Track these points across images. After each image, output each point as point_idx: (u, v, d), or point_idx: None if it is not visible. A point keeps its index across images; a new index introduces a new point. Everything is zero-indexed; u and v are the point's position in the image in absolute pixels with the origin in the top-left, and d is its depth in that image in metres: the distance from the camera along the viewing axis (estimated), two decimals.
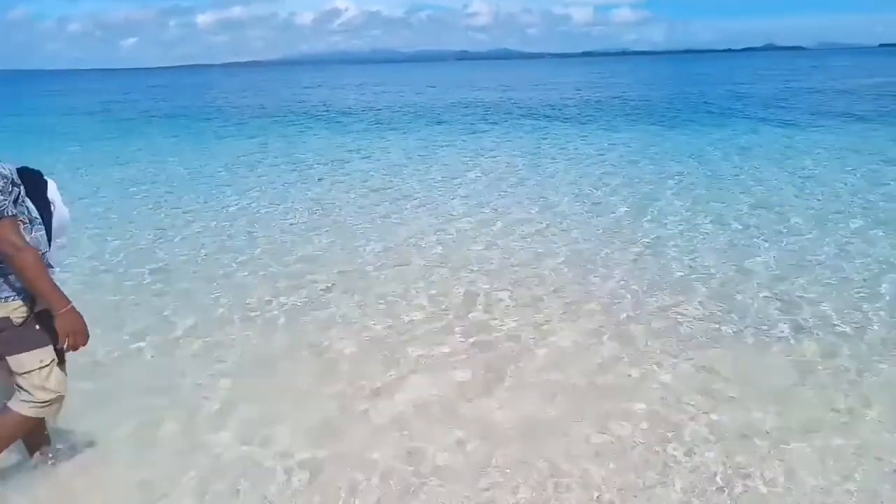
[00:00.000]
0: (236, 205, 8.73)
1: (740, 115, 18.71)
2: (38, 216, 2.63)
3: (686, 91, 31.49)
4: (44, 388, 2.59)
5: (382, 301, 5.13)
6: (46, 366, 2.59)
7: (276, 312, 4.93)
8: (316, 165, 12.03)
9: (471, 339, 4.39)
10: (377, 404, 3.57)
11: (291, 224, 7.71)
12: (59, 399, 2.68)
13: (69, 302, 2.52)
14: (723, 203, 8.03)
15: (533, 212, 7.96)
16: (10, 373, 2.61)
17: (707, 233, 6.80)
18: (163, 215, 8.25)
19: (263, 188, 9.91)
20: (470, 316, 4.81)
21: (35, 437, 2.93)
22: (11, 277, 2.50)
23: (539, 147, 13.78)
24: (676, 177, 9.83)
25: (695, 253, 6.13)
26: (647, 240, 6.58)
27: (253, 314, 4.91)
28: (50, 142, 16.58)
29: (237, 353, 4.26)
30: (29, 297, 2.54)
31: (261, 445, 3.17)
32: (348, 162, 12.41)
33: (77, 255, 6.19)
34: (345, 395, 3.68)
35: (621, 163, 11.42)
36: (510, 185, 9.71)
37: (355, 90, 42.66)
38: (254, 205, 8.72)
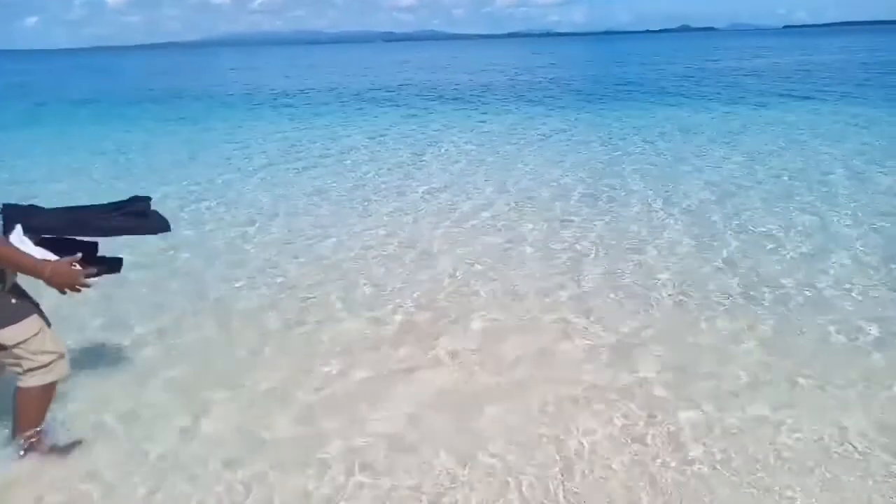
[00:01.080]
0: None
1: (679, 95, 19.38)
2: None
3: (625, 71, 32.07)
4: (44, 352, 2.75)
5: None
6: (38, 332, 2.74)
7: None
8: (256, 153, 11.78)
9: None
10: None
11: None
12: (61, 357, 2.84)
13: (47, 262, 2.58)
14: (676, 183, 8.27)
15: (489, 196, 7.94)
16: (2, 349, 2.71)
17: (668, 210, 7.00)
18: None
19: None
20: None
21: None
22: None
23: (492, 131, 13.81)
24: (626, 156, 10.08)
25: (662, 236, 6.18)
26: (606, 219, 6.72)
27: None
28: None
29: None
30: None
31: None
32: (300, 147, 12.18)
33: None
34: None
35: (571, 144, 11.60)
36: (462, 170, 9.63)
37: (284, 72, 41.51)
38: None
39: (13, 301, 2.69)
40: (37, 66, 64.74)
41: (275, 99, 22.67)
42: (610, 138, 11.91)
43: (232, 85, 30.50)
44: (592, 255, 5.70)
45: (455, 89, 24.27)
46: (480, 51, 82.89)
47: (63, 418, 3.22)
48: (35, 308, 2.79)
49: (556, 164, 9.66)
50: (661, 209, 7.03)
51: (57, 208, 2.92)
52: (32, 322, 2.72)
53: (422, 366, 3.86)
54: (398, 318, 4.55)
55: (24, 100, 24.80)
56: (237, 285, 5.24)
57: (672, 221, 6.57)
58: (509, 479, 2.83)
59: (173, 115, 17.80)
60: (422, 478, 2.86)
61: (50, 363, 2.78)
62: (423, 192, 8.21)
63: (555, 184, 8.37)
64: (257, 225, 6.94)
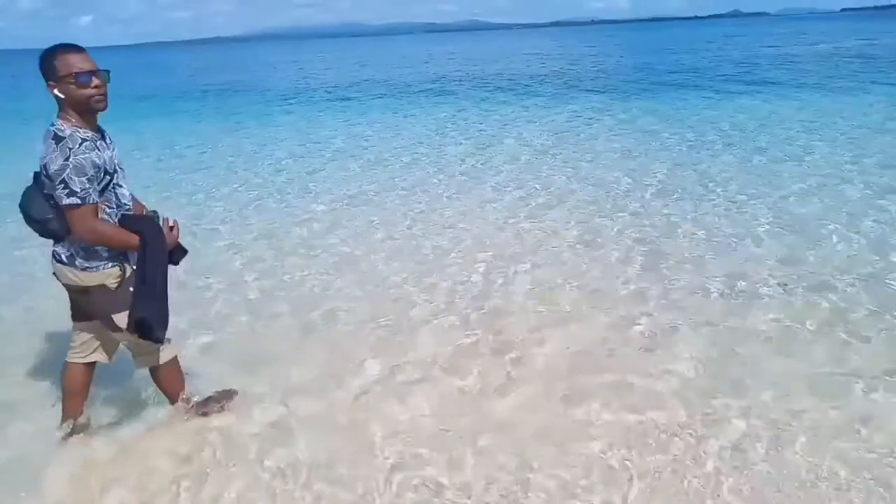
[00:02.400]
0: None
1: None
2: (128, 203, 2.96)
3: (680, 59, 31.27)
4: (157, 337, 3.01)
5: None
6: None
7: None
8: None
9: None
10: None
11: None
12: (170, 340, 3.12)
13: (135, 234, 2.85)
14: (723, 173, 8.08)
15: (536, 188, 7.92)
16: (114, 330, 2.98)
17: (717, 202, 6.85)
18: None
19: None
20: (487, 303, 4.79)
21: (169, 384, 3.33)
22: (99, 248, 2.85)
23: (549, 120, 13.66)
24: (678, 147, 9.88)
25: (706, 226, 6.15)
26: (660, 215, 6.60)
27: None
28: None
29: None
30: (119, 263, 2.89)
31: None
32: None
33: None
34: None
35: (619, 134, 11.38)
36: (528, 163, 9.56)
37: (333, 64, 41.84)
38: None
39: (130, 290, 2.91)
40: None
41: (328, 92, 22.86)
42: (678, 128, 11.59)
43: (285, 79, 30.89)
44: (684, 252, 5.54)
45: (510, 80, 24.02)
46: (525, 40, 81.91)
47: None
48: None
49: (628, 157, 9.47)
50: (749, 203, 6.80)
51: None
52: None
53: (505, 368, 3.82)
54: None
55: None
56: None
57: (765, 217, 6.34)
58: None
59: (238, 110, 18.09)
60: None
61: (156, 349, 3.09)
62: (493, 186, 8.15)
63: (629, 178, 8.19)
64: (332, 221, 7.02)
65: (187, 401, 3.36)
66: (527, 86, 21.35)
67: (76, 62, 2.70)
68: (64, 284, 2.96)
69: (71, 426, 3.23)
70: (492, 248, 5.86)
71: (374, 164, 9.92)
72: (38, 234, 2.89)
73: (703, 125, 11.79)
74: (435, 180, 8.68)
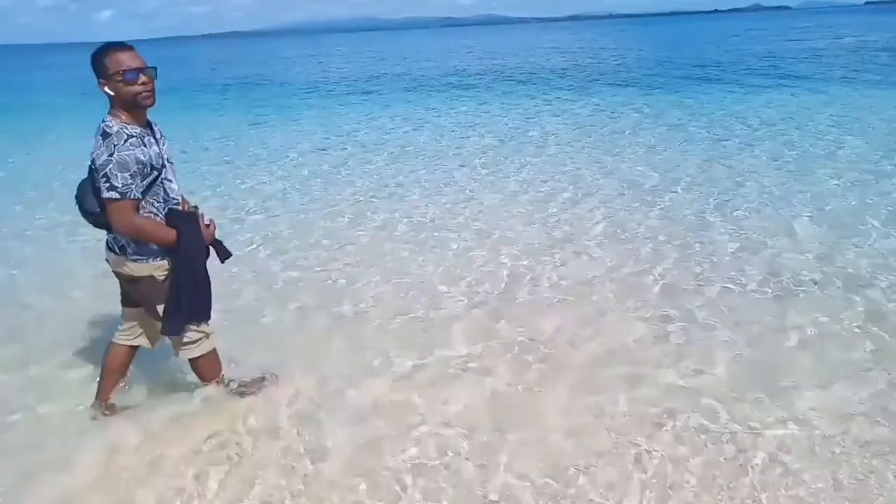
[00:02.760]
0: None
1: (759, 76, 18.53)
2: (177, 197, 3.03)
3: (704, 53, 30.96)
4: (196, 330, 3.15)
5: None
6: None
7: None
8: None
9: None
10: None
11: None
12: (206, 337, 3.21)
13: (173, 230, 2.93)
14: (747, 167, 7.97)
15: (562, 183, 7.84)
16: (158, 319, 3.07)
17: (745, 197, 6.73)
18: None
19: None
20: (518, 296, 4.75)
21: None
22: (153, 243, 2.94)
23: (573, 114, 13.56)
24: (700, 142, 9.74)
25: (739, 226, 6.05)
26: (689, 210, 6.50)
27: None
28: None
29: None
30: (168, 257, 2.97)
31: None
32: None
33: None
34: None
35: (644, 128, 11.26)
36: (554, 156, 9.48)
37: (354, 59, 41.86)
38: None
39: None
40: None
41: (349, 85, 22.87)
42: (705, 123, 11.43)
43: (305, 72, 30.92)
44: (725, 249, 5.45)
45: (531, 73, 23.83)
46: (544, 34, 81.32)
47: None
48: None
49: (655, 151, 9.35)
50: (781, 198, 6.68)
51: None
52: None
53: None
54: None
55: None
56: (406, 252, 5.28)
57: (800, 213, 6.22)
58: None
59: (259, 103, 18.13)
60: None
61: (197, 340, 3.18)
62: (519, 180, 8.08)
63: (656, 172, 8.08)
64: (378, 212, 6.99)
65: (222, 382, 3.43)
66: (548, 79, 21.19)
67: (124, 60, 2.78)
68: (114, 272, 3.06)
69: (101, 406, 3.33)
70: (518, 242, 5.81)
71: (396, 157, 9.88)
72: (92, 225, 2.98)
73: (729, 119, 11.62)
74: (458, 173, 8.62)
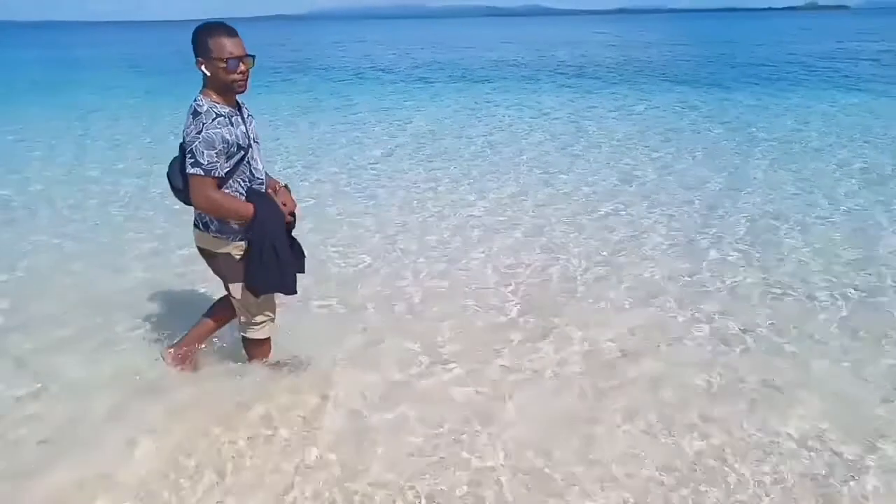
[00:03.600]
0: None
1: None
2: (261, 177, 3.11)
3: (764, 52, 30.27)
4: (263, 312, 3.25)
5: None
6: (259, 296, 3.17)
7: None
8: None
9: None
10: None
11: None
12: (272, 321, 3.31)
13: (251, 204, 2.97)
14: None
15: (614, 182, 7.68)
16: (230, 294, 3.20)
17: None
18: None
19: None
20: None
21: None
22: (232, 221, 3.01)
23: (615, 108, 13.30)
24: (760, 143, 9.44)
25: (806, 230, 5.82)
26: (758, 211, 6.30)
27: None
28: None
29: None
30: (246, 238, 3.04)
31: None
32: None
33: None
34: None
35: (704, 127, 11.01)
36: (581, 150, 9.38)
37: (406, 47, 41.86)
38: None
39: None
40: (152, 36, 68.62)
41: (400, 72, 22.84)
42: (767, 124, 11.07)
43: (354, 58, 30.99)
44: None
45: (583, 67, 23.46)
46: (591, 27, 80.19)
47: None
48: None
49: (715, 152, 9.10)
50: (860, 211, 6.41)
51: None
52: None
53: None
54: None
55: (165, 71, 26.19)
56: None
57: (881, 223, 5.96)
58: None
59: (311, 88, 18.20)
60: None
61: (262, 323, 3.27)
62: (574, 175, 7.95)
63: (716, 174, 7.87)
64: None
65: (268, 362, 3.48)
66: (603, 74, 20.81)
67: (229, 46, 2.84)
68: (198, 247, 3.19)
69: (171, 353, 3.47)
70: (575, 242, 5.70)
71: (447, 147, 9.81)
72: (181, 202, 3.09)
73: (795, 121, 11.27)
74: (509, 166, 8.54)
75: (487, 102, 14.74)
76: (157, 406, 3.19)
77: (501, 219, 6.39)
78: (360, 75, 22.22)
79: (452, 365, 3.68)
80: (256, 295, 3.14)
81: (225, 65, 2.82)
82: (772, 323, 4.15)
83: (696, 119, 11.90)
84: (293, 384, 3.39)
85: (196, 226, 3.13)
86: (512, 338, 4.00)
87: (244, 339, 3.36)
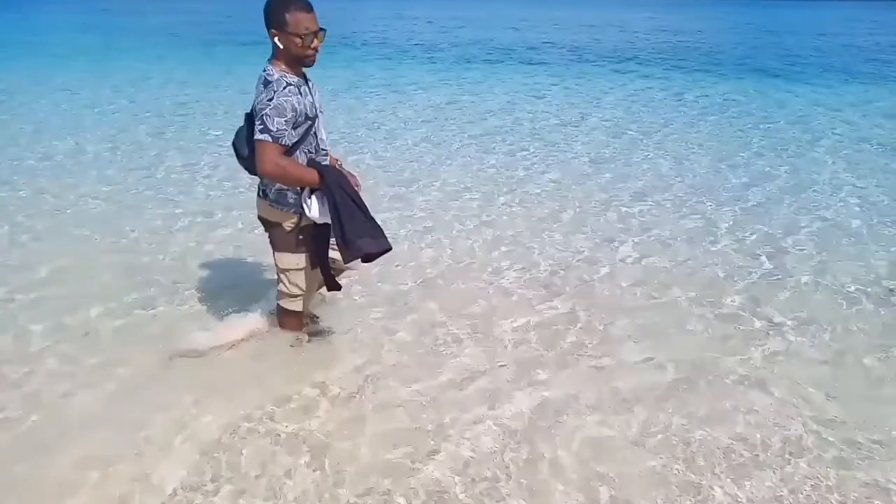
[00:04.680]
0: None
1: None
2: (325, 148, 3.24)
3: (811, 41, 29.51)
4: (296, 285, 3.38)
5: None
6: (301, 269, 3.34)
7: None
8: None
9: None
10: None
11: None
12: (304, 297, 3.45)
13: (318, 172, 3.06)
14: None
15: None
16: (274, 261, 3.36)
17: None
18: None
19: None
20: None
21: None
22: (290, 193, 3.15)
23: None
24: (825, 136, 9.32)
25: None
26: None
27: None
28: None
29: None
30: (300, 212, 3.16)
31: None
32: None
33: None
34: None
35: (737, 118, 10.88)
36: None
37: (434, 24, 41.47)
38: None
39: (300, 237, 3.28)
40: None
41: (462, 50, 22.66)
42: (803, 115, 10.97)
43: (396, 34, 30.81)
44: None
45: (609, 50, 22.99)
46: (632, 11, 77.96)
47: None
48: (312, 254, 3.32)
49: (748, 145, 9.03)
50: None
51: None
52: (300, 258, 3.31)
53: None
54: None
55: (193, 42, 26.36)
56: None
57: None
58: None
59: (357, 63, 18.24)
60: None
61: (297, 296, 3.42)
62: (591, 159, 8.01)
63: (746, 167, 7.94)
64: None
65: (299, 338, 3.69)
66: (627, 59, 20.45)
67: (305, 22, 2.91)
68: (258, 215, 3.37)
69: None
70: (592, 230, 5.81)
71: (469, 130, 9.81)
72: (246, 171, 3.23)
73: (841, 115, 11.00)
74: (530, 149, 8.66)
75: (507, 80, 14.56)
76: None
77: (520, 202, 6.52)
78: (405, 52, 21.98)
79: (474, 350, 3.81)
80: (354, 258, 3.16)
81: (301, 40, 2.88)
82: (787, 305, 4.33)
83: (725, 106, 11.72)
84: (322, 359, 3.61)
85: (257, 193, 3.28)
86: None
87: (278, 307, 3.54)
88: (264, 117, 2.88)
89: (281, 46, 2.94)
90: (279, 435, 3.08)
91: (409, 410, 3.27)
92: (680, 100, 12.89)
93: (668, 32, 33.95)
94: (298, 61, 3.00)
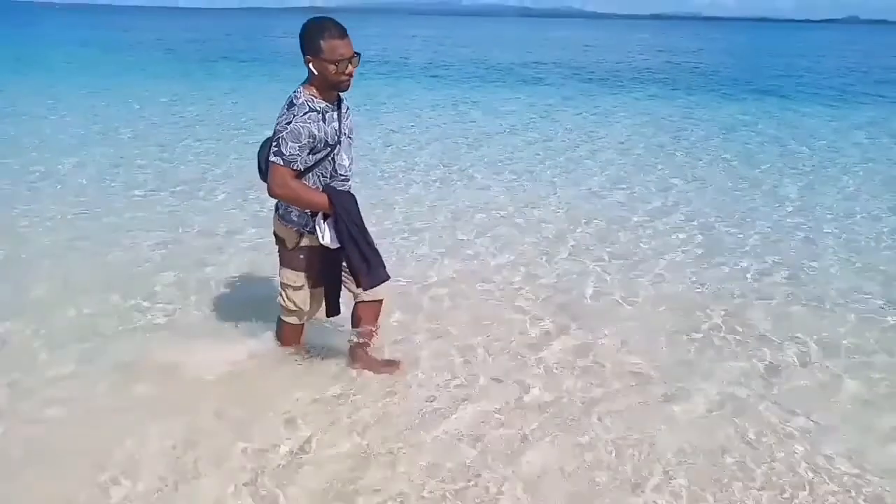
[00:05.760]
0: None
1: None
2: (345, 174, 3.17)
3: (810, 63, 29.88)
4: (292, 301, 3.34)
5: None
6: (298, 287, 3.30)
7: None
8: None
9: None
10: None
11: None
12: (300, 313, 3.39)
13: (327, 197, 3.03)
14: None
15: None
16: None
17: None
18: None
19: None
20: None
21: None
22: (294, 212, 3.14)
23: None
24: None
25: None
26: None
27: None
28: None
29: None
30: (303, 232, 3.16)
31: None
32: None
33: None
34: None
35: (739, 138, 10.97)
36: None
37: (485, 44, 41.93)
38: None
39: (300, 256, 3.25)
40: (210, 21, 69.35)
41: (470, 69, 22.84)
42: (805, 137, 10.99)
43: (398, 52, 31.17)
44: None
45: (615, 71, 23.37)
46: (628, 32, 79.30)
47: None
48: (313, 273, 3.28)
49: (751, 164, 9.09)
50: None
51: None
52: (299, 276, 3.29)
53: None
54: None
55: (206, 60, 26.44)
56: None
57: None
58: None
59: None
60: None
61: (293, 311, 3.38)
62: (602, 179, 8.02)
63: (754, 187, 7.90)
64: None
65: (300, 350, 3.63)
66: (632, 78, 20.74)
67: (341, 48, 2.89)
68: (273, 230, 3.37)
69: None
70: (608, 247, 5.74)
71: (474, 146, 9.92)
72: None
73: (834, 135, 11.16)
74: (540, 167, 8.68)
75: (514, 100, 14.75)
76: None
77: (531, 217, 6.50)
78: (411, 72, 22.23)
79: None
80: (369, 286, 3.19)
81: (335, 66, 2.86)
82: (808, 325, 4.19)
83: (730, 127, 11.84)
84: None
85: (274, 208, 3.30)
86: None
87: (278, 319, 3.53)
88: (280, 140, 2.90)
89: (315, 72, 2.92)
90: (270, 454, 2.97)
91: (407, 420, 3.21)
92: (689, 118, 13.00)
93: (667, 52, 34.31)
94: (333, 87, 2.97)
